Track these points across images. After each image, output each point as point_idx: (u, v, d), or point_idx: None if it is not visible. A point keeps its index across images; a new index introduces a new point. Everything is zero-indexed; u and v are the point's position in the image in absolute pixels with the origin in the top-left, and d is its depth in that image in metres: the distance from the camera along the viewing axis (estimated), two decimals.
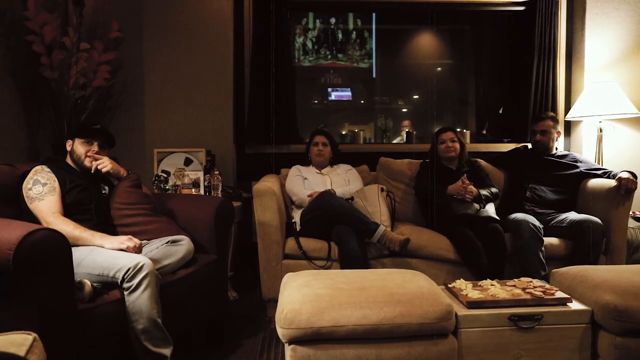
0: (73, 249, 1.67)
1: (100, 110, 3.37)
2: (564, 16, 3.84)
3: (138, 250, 2.00)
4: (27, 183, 2.06)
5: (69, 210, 2.09)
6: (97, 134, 2.26)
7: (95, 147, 2.23)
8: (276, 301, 1.95)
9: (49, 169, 2.13)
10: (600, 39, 3.67)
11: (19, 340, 1.15)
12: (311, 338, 1.71)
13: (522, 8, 3.89)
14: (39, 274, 1.51)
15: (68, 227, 1.95)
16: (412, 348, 1.75)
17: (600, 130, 3.54)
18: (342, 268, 2.67)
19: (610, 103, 3.39)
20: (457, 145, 3.19)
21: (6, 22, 2.80)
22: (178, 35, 3.57)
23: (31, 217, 2.00)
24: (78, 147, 2.23)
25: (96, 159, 2.22)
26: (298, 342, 1.72)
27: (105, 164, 2.23)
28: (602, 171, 3.15)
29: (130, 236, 2.03)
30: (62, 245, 1.59)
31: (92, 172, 2.22)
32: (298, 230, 2.92)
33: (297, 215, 3.01)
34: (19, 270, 1.44)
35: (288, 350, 1.74)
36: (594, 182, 3.10)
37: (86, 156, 2.22)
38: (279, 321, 1.74)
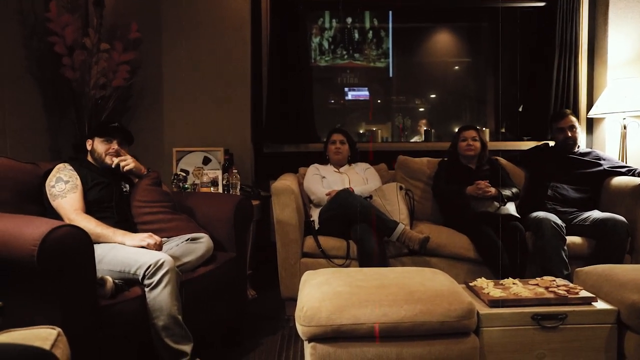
0: (95, 245, 1.69)
1: (120, 109, 3.41)
2: (585, 12, 3.77)
3: (159, 247, 2.01)
4: (50, 181, 2.09)
5: (91, 207, 2.11)
6: (115, 132, 2.29)
7: (115, 145, 2.26)
8: (295, 300, 1.95)
9: (71, 167, 2.16)
10: (624, 35, 3.60)
11: (43, 335, 1.17)
12: (331, 336, 1.70)
13: (542, 4, 3.83)
14: (62, 270, 1.52)
15: (90, 225, 1.97)
16: (433, 347, 1.72)
17: (624, 127, 3.47)
18: (361, 266, 2.65)
19: (634, 99, 3.32)
20: (478, 145, 3.15)
21: (29, 24, 2.85)
22: (196, 35, 3.59)
23: (54, 215, 2.02)
24: (98, 145, 2.26)
25: (118, 156, 2.25)
26: (318, 339, 1.71)
27: (128, 162, 2.26)
28: (627, 169, 3.09)
29: (150, 233, 2.05)
30: (84, 242, 1.60)
31: (114, 167, 2.25)
32: (316, 228, 2.91)
33: (315, 214, 3.01)
34: (43, 266, 1.46)
35: (308, 348, 1.73)
36: (618, 180, 3.04)
37: (106, 154, 2.25)
38: (298, 318, 1.73)
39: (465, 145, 3.15)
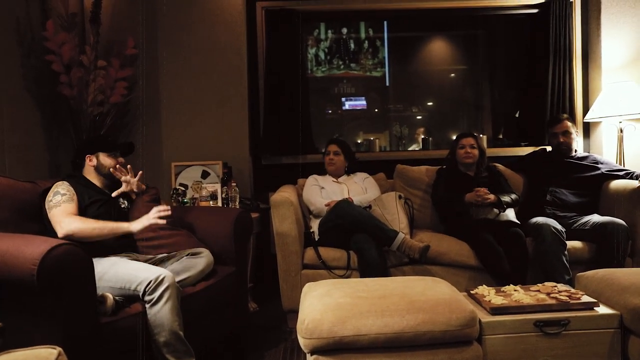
0: (95, 263, 1.68)
1: (118, 125, 3.42)
2: (578, 17, 3.80)
3: (167, 214, 2.05)
4: (49, 196, 2.09)
5: None
6: (119, 146, 2.32)
7: (121, 159, 2.30)
8: (296, 311, 1.94)
9: (68, 184, 2.16)
10: (617, 39, 3.62)
11: (44, 355, 1.16)
12: (333, 348, 1.70)
13: (535, 11, 3.86)
14: (62, 288, 1.52)
15: (87, 223, 1.99)
16: (436, 356, 1.72)
17: (621, 131, 3.48)
18: (361, 277, 2.65)
19: (630, 103, 3.33)
20: (476, 152, 3.16)
21: (26, 42, 2.87)
22: (192, 50, 3.61)
23: (54, 233, 2.02)
24: (105, 160, 2.27)
25: (121, 171, 2.28)
26: (320, 352, 1.71)
27: (128, 179, 2.28)
28: (625, 172, 3.09)
29: (156, 208, 2.08)
30: (84, 260, 1.60)
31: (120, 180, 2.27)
32: (316, 239, 2.91)
33: (315, 225, 3.01)
34: (43, 285, 1.46)
35: None
36: (616, 184, 3.04)
37: (115, 168, 2.28)
38: (300, 331, 1.73)
39: (463, 153, 3.16)
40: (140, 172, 2.32)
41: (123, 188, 2.28)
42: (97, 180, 2.27)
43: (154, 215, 2.05)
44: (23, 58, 2.85)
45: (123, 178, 2.27)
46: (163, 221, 2.05)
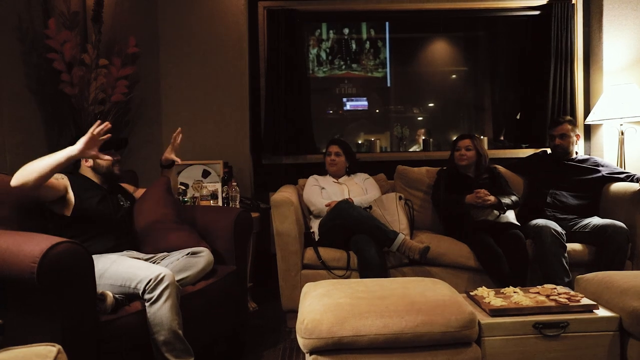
0: (95, 260, 1.69)
1: (119, 124, 3.42)
2: (580, 19, 3.80)
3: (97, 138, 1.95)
4: None
5: (92, 223, 2.11)
6: (111, 144, 2.31)
7: (117, 156, 2.31)
8: (295, 311, 1.95)
9: (64, 176, 2.16)
10: (619, 41, 3.63)
11: (43, 352, 1.16)
12: (332, 348, 1.70)
13: (537, 13, 3.86)
14: (62, 286, 1.52)
15: (28, 164, 1.87)
16: (435, 357, 1.72)
17: (622, 133, 3.48)
18: (361, 277, 2.65)
19: (631, 105, 3.34)
20: (471, 154, 3.14)
21: (28, 40, 2.87)
22: (194, 49, 3.62)
23: (56, 231, 2.02)
24: (100, 160, 2.26)
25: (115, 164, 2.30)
26: (319, 352, 1.71)
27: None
28: (625, 174, 3.09)
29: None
30: (84, 257, 1.60)
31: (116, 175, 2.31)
32: (316, 240, 2.91)
33: (315, 225, 3.01)
34: (43, 283, 1.46)
35: None
36: (617, 186, 3.04)
37: (113, 165, 2.28)
38: (299, 331, 1.73)
39: (458, 155, 3.16)
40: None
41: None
42: (94, 177, 2.28)
43: (91, 130, 1.94)
44: (24, 56, 2.85)
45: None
46: (101, 129, 1.95)
